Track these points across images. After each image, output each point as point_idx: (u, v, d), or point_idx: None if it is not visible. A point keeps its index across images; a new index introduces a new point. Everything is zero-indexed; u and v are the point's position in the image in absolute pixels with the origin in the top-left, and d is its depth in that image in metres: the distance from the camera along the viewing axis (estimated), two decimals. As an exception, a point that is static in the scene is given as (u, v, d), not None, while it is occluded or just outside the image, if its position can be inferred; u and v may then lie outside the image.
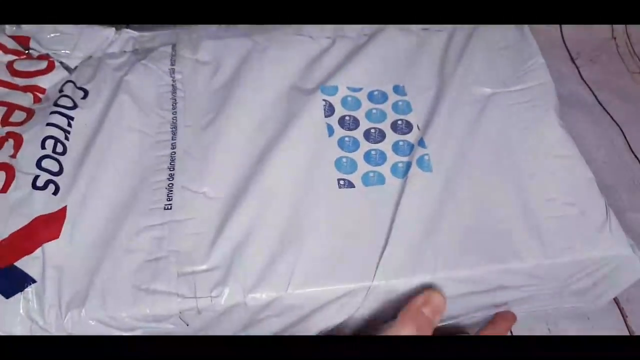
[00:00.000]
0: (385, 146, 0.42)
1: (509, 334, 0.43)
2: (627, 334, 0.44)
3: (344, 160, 0.41)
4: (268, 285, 0.35)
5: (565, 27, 0.65)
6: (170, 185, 0.39)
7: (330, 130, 0.42)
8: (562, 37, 0.65)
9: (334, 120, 0.43)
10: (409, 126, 0.43)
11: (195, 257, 0.36)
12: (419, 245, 0.36)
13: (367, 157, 0.41)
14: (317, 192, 0.39)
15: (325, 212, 0.38)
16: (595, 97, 0.61)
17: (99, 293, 0.35)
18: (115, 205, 0.38)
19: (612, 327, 0.43)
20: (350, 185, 0.40)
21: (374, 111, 0.44)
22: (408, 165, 0.40)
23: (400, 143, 0.42)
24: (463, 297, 0.37)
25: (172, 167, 0.40)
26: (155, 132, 0.42)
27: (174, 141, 0.42)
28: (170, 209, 0.38)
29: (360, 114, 0.44)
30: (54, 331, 0.34)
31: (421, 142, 0.41)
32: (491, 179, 0.40)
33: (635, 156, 0.57)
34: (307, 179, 0.40)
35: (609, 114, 0.60)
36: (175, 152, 0.41)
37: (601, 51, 0.65)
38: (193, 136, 0.42)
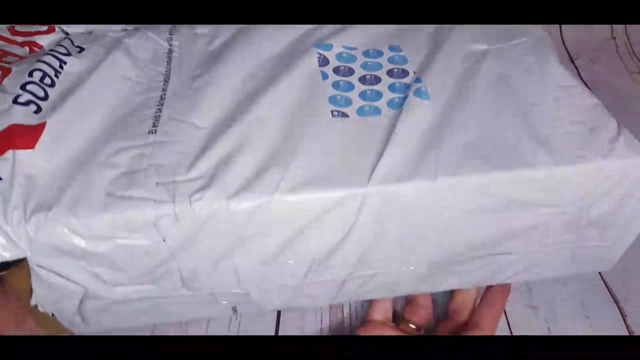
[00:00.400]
0: (381, 87, 0.40)
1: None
2: (626, 333, 0.42)
3: (339, 97, 0.39)
4: (253, 191, 0.32)
5: (564, 27, 0.66)
6: (158, 116, 0.38)
7: (325, 76, 0.41)
8: (562, 38, 0.66)
9: (328, 69, 0.42)
10: (405, 72, 0.42)
11: (178, 169, 0.33)
12: (419, 153, 0.34)
13: (363, 95, 0.40)
14: (308, 120, 0.37)
15: (316, 135, 0.36)
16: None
17: (69, 199, 0.32)
18: (98, 129, 0.36)
19: (612, 326, 0.41)
20: (344, 115, 0.38)
21: (369, 63, 0.43)
22: (404, 98, 0.39)
23: (397, 84, 0.41)
24: (470, 216, 0.34)
25: (160, 104, 0.39)
26: (147, 80, 0.42)
27: (165, 87, 0.41)
28: (155, 133, 0.36)
29: (355, 65, 0.43)
30: (15, 237, 0.30)
31: (418, 80, 0.40)
32: (493, 105, 0.37)
33: None
34: (299, 111, 0.38)
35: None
36: (165, 94, 0.40)
37: (601, 51, 0.65)
38: (184, 83, 0.41)
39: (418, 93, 0.38)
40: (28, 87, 0.37)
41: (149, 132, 0.36)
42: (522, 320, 0.42)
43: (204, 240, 0.32)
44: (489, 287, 0.40)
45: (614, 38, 0.67)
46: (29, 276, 0.32)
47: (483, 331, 0.37)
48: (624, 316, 0.42)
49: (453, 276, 0.37)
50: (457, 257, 0.36)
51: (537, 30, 0.45)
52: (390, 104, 0.39)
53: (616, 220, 0.36)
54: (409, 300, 0.42)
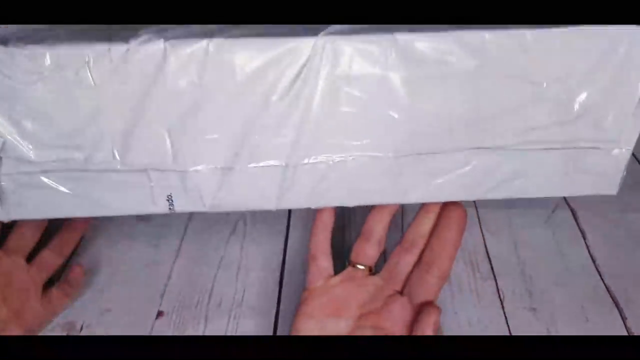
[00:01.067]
0: None
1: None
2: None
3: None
4: (194, 37, 0.29)
5: None
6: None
7: None
8: None
9: None
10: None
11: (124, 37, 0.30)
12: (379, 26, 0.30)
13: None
14: None
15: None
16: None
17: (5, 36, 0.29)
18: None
19: (612, 329, 0.40)
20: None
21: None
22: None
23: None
24: (439, 77, 0.30)
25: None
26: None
27: None
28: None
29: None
30: None
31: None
32: None
33: (634, 155, 0.54)
34: None
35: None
36: None
37: None
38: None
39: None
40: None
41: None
42: (521, 323, 0.40)
43: (137, 93, 0.29)
44: (441, 214, 0.36)
45: None
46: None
47: (437, 273, 0.34)
48: (623, 319, 0.41)
49: (424, 178, 0.32)
50: (428, 142, 0.31)
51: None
52: None
53: (610, 108, 0.32)
54: (359, 235, 0.37)
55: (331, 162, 0.32)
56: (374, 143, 0.32)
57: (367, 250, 0.37)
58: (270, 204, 0.33)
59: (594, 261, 0.45)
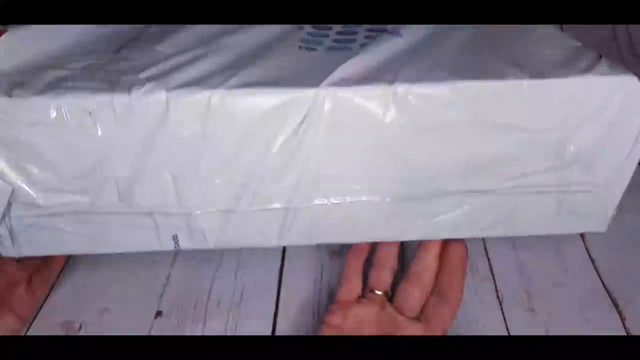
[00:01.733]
0: (357, 36, 0.39)
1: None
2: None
3: (311, 39, 0.38)
4: (196, 86, 0.30)
5: (566, 27, 0.64)
6: (125, 45, 0.36)
7: (300, 28, 0.40)
8: None
9: (304, 29, 0.41)
10: (383, 29, 0.40)
11: (127, 72, 0.32)
12: (378, 64, 0.31)
13: (336, 40, 0.38)
14: (274, 49, 0.35)
15: (277, 58, 0.34)
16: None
17: (9, 85, 0.30)
18: (61, 47, 0.35)
19: (610, 329, 0.40)
20: (312, 50, 0.36)
21: (347, 28, 0.42)
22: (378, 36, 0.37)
23: (374, 33, 0.39)
24: (436, 132, 0.30)
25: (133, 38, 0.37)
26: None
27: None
28: (118, 53, 0.35)
29: (331, 32, 0.41)
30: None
31: (395, 33, 0.38)
32: (470, 45, 0.36)
33: None
34: (267, 43, 0.36)
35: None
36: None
37: (602, 51, 0.64)
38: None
39: (392, 33, 0.36)
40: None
41: (113, 52, 0.34)
42: (520, 324, 0.40)
43: (141, 141, 0.29)
44: (446, 250, 0.37)
45: (616, 38, 0.66)
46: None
47: (451, 302, 0.36)
48: (622, 319, 0.41)
49: (420, 219, 0.33)
50: (424, 187, 0.32)
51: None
52: (362, 44, 0.37)
53: (603, 153, 0.32)
54: (372, 265, 0.40)
55: (330, 204, 0.33)
56: (371, 187, 0.32)
57: (382, 277, 0.39)
58: (271, 242, 0.35)
59: (593, 262, 0.45)
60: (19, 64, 0.32)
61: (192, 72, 0.30)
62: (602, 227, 0.36)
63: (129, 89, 0.29)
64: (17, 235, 0.33)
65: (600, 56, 0.33)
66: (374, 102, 0.29)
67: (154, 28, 0.39)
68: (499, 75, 0.30)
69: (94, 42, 0.36)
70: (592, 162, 0.32)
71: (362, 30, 0.40)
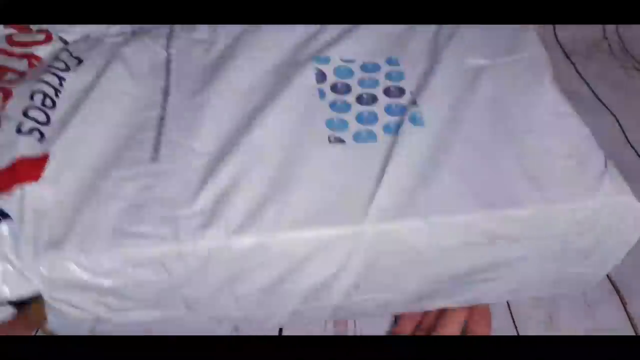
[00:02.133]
0: (378, 108, 0.41)
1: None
2: (626, 320, 0.44)
3: (335, 120, 0.40)
4: (254, 228, 0.33)
5: (557, 27, 0.67)
6: (158, 139, 0.38)
7: (322, 94, 0.42)
8: (556, 37, 0.66)
9: (325, 86, 0.43)
10: (401, 91, 0.42)
11: (180, 202, 0.35)
12: (412, 189, 0.35)
13: (359, 117, 0.40)
14: (305, 147, 0.38)
15: (314, 164, 0.37)
16: (592, 90, 0.61)
17: (79, 235, 0.33)
18: (100, 155, 0.37)
19: (612, 314, 0.43)
20: (341, 141, 0.39)
21: (367, 80, 0.44)
22: (400, 122, 0.40)
23: (393, 106, 0.41)
24: (460, 249, 0.35)
25: (161, 125, 0.40)
26: (147, 96, 0.42)
27: (164, 103, 0.41)
28: (157, 159, 0.37)
29: (352, 82, 0.43)
30: (29, 274, 0.32)
31: (413, 103, 0.41)
32: (486, 133, 0.39)
33: (633, 148, 0.57)
34: (297, 136, 0.39)
35: (606, 107, 0.60)
36: (165, 112, 0.41)
37: (594, 49, 0.66)
38: (184, 100, 0.42)
39: (413, 119, 0.39)
40: (30, 112, 0.37)
41: (151, 159, 0.37)
42: (523, 309, 0.44)
43: (207, 273, 0.34)
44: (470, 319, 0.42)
45: (606, 38, 0.68)
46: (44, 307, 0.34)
47: None
48: (624, 304, 0.44)
49: (441, 298, 0.39)
50: (445, 284, 0.38)
51: (536, 46, 0.46)
52: (386, 128, 0.40)
53: (599, 250, 0.37)
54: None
55: (368, 298, 0.38)
56: (401, 287, 0.38)
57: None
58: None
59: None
60: (66, 195, 0.35)
61: (241, 204, 0.34)
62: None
63: (192, 235, 0.33)
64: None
65: (605, 161, 0.37)
66: (409, 233, 0.34)
67: (176, 112, 0.41)
68: (519, 199, 0.35)
69: (125, 143, 0.38)
70: (589, 254, 0.38)
71: (380, 87, 0.43)
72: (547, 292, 0.42)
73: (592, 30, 0.68)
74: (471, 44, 0.46)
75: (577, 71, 0.64)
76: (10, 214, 0.33)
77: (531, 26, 0.48)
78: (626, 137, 0.57)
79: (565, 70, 0.63)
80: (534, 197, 0.35)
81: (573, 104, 0.59)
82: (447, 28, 0.48)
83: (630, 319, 0.43)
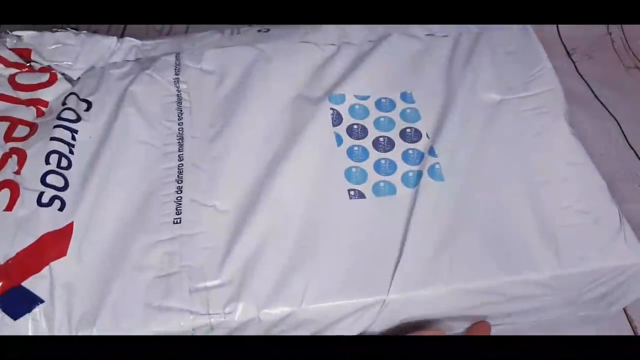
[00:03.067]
0: (395, 155, 0.41)
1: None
2: (626, 321, 0.44)
3: (354, 170, 0.40)
4: (282, 301, 0.34)
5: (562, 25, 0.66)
6: (179, 198, 0.38)
7: (339, 140, 0.42)
8: (558, 33, 0.65)
9: (342, 129, 0.43)
10: (417, 134, 0.42)
11: (208, 272, 0.35)
12: (434, 256, 0.36)
13: (377, 166, 0.41)
14: (328, 204, 0.39)
15: (337, 224, 0.38)
16: (592, 91, 0.61)
17: (110, 312, 0.34)
18: (123, 219, 0.37)
19: (618, 329, 0.43)
20: (361, 195, 0.39)
21: (382, 119, 0.43)
22: (419, 174, 0.40)
23: (410, 152, 0.42)
24: (477, 308, 0.37)
25: (180, 180, 0.39)
26: (162, 143, 0.41)
27: (180, 153, 0.41)
28: (180, 222, 0.37)
29: (368, 123, 0.43)
30: (64, 352, 0.33)
31: (431, 151, 0.41)
32: (504, 187, 0.39)
33: (632, 148, 0.57)
34: (317, 190, 0.39)
35: (605, 108, 0.60)
36: (182, 165, 0.40)
37: (597, 47, 0.65)
38: (200, 148, 0.41)
39: (432, 173, 0.39)
40: (48, 179, 0.37)
41: (174, 222, 0.37)
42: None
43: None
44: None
45: (610, 34, 0.67)
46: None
47: None
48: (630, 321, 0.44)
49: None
50: (459, 329, 0.39)
51: (552, 80, 0.45)
52: (405, 179, 0.40)
53: (613, 295, 0.39)
54: None
55: None
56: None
57: None
58: None
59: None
60: (94, 266, 0.35)
61: (267, 273, 0.35)
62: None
63: (223, 309, 0.34)
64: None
65: (620, 218, 0.38)
66: (432, 299, 0.35)
67: (194, 162, 0.40)
68: (537, 263, 0.36)
69: (146, 203, 0.38)
70: (600, 300, 0.40)
71: (396, 129, 0.43)
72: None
73: (595, 27, 0.66)
74: (485, 75, 0.46)
75: (578, 71, 0.63)
76: (42, 296, 0.33)
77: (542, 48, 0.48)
78: (627, 139, 0.58)
79: (566, 70, 0.62)
80: (550, 262, 0.36)
81: (573, 105, 0.59)
82: (459, 55, 0.47)
83: (629, 320, 0.44)
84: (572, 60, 0.65)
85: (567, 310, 0.40)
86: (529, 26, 0.50)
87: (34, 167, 0.38)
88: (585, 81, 0.63)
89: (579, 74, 0.63)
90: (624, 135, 0.58)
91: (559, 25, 0.66)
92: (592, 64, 0.64)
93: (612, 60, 0.65)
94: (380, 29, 0.50)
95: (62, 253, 0.35)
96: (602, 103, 0.61)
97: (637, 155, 0.57)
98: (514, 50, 0.48)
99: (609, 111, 0.60)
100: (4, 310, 0.33)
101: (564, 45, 0.66)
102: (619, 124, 0.59)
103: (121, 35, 0.49)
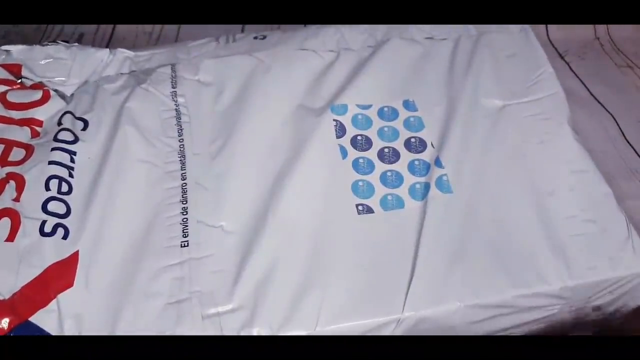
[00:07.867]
0: (401, 166, 0.41)
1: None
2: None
3: (361, 183, 0.40)
4: (296, 324, 0.34)
5: (550, 27, 0.67)
6: (185, 220, 0.38)
7: (344, 152, 0.41)
8: (548, 36, 0.66)
9: (346, 141, 0.42)
10: (422, 144, 0.42)
11: (218, 296, 0.35)
12: (445, 273, 0.36)
13: (384, 179, 0.40)
14: (336, 221, 0.38)
15: (347, 242, 0.37)
16: (588, 89, 0.62)
17: None
18: (129, 244, 0.37)
19: None
20: (370, 210, 0.39)
21: (386, 129, 0.43)
22: (426, 186, 0.40)
23: (416, 162, 0.41)
24: (488, 320, 0.37)
25: (184, 200, 0.39)
26: (163, 162, 0.40)
27: (183, 171, 0.40)
28: (187, 245, 0.37)
29: (372, 133, 0.43)
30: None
31: (437, 162, 0.41)
32: (510, 199, 0.39)
33: (630, 144, 0.58)
34: (325, 207, 0.39)
35: (602, 106, 0.60)
36: (186, 184, 0.39)
37: (587, 49, 0.67)
38: (203, 165, 0.40)
39: (440, 185, 0.39)
40: (49, 206, 0.36)
41: (181, 245, 0.37)
42: None
43: None
44: None
45: (598, 38, 0.68)
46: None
47: None
48: None
49: None
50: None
51: (553, 84, 0.45)
52: (412, 192, 0.40)
53: (617, 303, 0.39)
54: None
55: None
56: None
57: None
58: None
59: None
60: (102, 294, 0.34)
61: (279, 296, 0.34)
62: None
63: (237, 333, 0.33)
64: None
65: (628, 225, 0.38)
66: (445, 315, 0.35)
67: (197, 180, 0.40)
68: (546, 275, 0.36)
69: (151, 226, 0.37)
70: (607, 307, 0.39)
71: (400, 138, 0.42)
72: None
73: (583, 30, 0.68)
74: (487, 80, 0.45)
75: (573, 71, 0.64)
76: (51, 331, 0.33)
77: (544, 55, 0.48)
78: (624, 136, 0.58)
79: (560, 70, 0.62)
80: (560, 273, 0.36)
81: (570, 104, 0.60)
82: (459, 59, 0.47)
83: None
84: (565, 61, 0.65)
85: (575, 316, 0.41)
86: (528, 27, 0.50)
87: (34, 193, 0.36)
88: (581, 80, 0.63)
89: (574, 72, 0.64)
90: (622, 132, 0.58)
91: (549, 30, 0.68)
92: (585, 65, 0.65)
93: (604, 60, 0.66)
94: (378, 32, 0.49)
95: (69, 284, 0.34)
96: (598, 101, 0.61)
97: (636, 152, 0.58)
98: (514, 53, 0.47)
99: (606, 109, 0.60)
100: (13, 347, 0.32)
101: (555, 48, 0.66)
102: (616, 122, 0.59)
103: (110, 36, 0.48)
